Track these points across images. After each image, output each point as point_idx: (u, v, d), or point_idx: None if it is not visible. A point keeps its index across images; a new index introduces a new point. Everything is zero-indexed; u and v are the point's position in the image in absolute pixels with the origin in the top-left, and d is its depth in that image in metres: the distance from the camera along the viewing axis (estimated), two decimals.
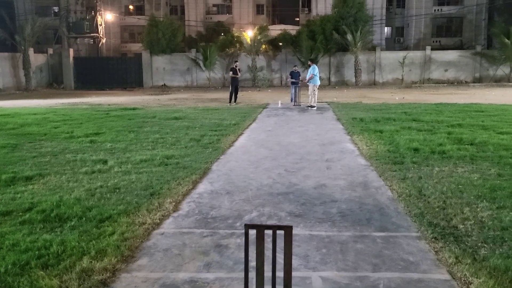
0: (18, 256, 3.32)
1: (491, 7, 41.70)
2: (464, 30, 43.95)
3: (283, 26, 40.84)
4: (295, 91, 17.91)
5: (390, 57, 35.57)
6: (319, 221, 4.24)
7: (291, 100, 18.36)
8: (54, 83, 35.98)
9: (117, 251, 3.46)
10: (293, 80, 18.43)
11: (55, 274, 3.08)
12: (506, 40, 31.99)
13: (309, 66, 16.74)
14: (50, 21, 42.52)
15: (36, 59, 34.48)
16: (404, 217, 4.30)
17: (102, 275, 3.09)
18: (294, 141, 8.88)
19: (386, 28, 46.04)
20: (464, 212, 4.29)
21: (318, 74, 16.63)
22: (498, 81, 33.35)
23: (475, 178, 5.55)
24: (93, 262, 3.26)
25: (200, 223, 4.21)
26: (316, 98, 16.34)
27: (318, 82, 16.51)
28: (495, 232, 3.77)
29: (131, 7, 50.16)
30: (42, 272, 3.08)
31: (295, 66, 20.06)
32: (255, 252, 2.26)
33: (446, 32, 44.93)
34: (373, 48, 36.11)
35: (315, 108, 15.77)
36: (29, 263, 3.22)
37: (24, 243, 3.58)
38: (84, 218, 4.20)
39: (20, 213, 4.37)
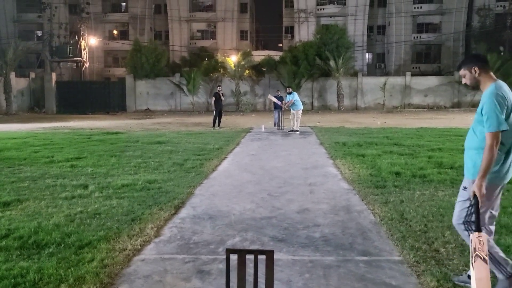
0: None
1: (468, 35, 43.14)
2: (443, 57, 45.29)
3: (266, 52, 41.53)
4: (279, 116, 18.09)
5: (372, 83, 36.29)
6: (302, 245, 4.22)
7: (275, 125, 18.51)
8: (35, 107, 35.65)
9: (96, 278, 3.38)
10: (276, 104, 18.61)
11: None
12: None
13: (289, 93, 16.88)
14: (33, 45, 42.46)
15: (18, 83, 34.20)
16: (387, 241, 4.32)
17: None
18: (278, 165, 8.90)
19: (367, 54, 47.19)
20: (445, 235, 4.32)
21: (299, 100, 16.81)
22: (476, 106, 34.18)
23: (456, 201, 5.61)
24: None
25: (182, 249, 4.15)
26: (299, 123, 16.49)
27: (301, 107, 16.69)
28: None
29: (115, 32, 50.48)
30: None
31: (278, 90, 20.29)
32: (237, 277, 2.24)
33: (425, 59, 46.23)
34: (355, 74, 36.87)
35: (298, 132, 15.90)
36: None
37: None
38: (62, 245, 4.11)
39: None
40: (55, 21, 43.70)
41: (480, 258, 2.87)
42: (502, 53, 34.40)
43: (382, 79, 36.48)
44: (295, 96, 16.64)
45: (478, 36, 40.03)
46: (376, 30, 48.06)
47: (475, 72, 3.21)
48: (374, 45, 47.61)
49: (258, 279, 2.38)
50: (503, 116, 2.99)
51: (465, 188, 3.26)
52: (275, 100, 18.04)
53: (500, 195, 3.28)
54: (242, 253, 2.09)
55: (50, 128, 19.45)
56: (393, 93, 35.64)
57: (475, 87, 3.34)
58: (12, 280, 3.30)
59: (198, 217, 5.22)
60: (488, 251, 2.98)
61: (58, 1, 44.66)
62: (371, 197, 5.97)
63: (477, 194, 3.01)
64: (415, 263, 3.70)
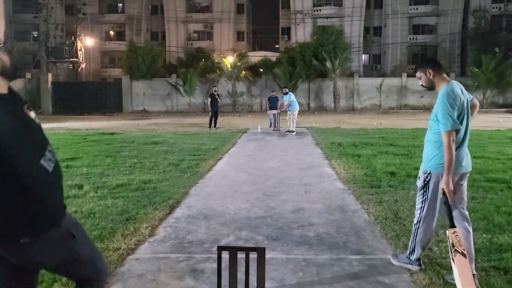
0: None
1: (464, 36, 43.30)
2: (439, 58, 45.28)
3: (263, 53, 41.54)
4: (274, 116, 18.11)
5: (368, 84, 36.37)
6: (296, 244, 4.23)
7: (270, 125, 18.51)
8: (31, 107, 35.51)
9: None
10: (272, 105, 18.67)
11: None
12: (476, 70, 33.14)
13: (285, 94, 16.93)
14: (29, 45, 42.38)
15: (13, 83, 33.99)
16: (380, 240, 4.33)
17: None
18: (273, 166, 8.91)
19: (363, 55, 47.27)
20: (439, 234, 4.34)
21: (295, 100, 16.85)
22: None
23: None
24: None
25: (176, 248, 4.15)
26: (295, 123, 16.50)
27: (297, 108, 16.71)
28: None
29: (111, 32, 50.39)
30: None
31: (273, 91, 20.29)
32: (231, 273, 2.25)
33: (422, 60, 46.27)
34: (351, 75, 36.93)
35: (294, 133, 15.91)
36: None
37: None
38: None
39: None
40: (51, 22, 43.61)
41: (459, 253, 3.06)
42: (497, 54, 34.54)
43: (378, 80, 36.58)
44: (291, 97, 16.66)
45: (474, 37, 40.21)
46: (372, 31, 48.19)
47: (430, 74, 3.47)
48: (370, 46, 47.73)
49: (251, 277, 2.39)
50: (456, 115, 3.26)
51: (419, 177, 3.62)
52: (274, 112, 18.02)
53: (463, 188, 3.52)
54: (233, 250, 2.09)
55: (45, 128, 19.22)
56: (389, 94, 35.74)
57: (431, 88, 3.54)
58: None
59: (192, 216, 5.22)
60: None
61: (55, 1, 44.57)
62: (366, 197, 5.99)
63: (446, 191, 3.24)
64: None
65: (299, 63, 34.14)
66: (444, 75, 3.49)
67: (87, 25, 45.66)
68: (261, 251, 2.09)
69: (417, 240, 3.53)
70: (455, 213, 3.41)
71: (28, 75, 36.50)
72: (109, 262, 3.71)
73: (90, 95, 35.70)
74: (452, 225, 3.27)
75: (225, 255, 2.48)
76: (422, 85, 3.59)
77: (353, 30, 44.42)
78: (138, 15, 48.71)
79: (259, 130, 17.51)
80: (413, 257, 3.55)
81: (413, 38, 45.87)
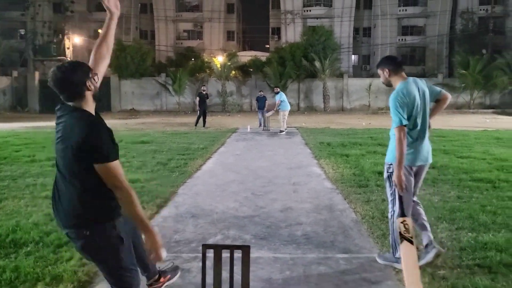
0: None
1: (452, 38, 43.71)
2: (427, 60, 45.81)
3: (253, 53, 41.47)
4: (263, 116, 18.14)
5: (357, 84, 36.53)
6: (284, 243, 4.23)
7: (260, 125, 18.51)
8: (18, 106, 35.08)
9: (74, 277, 3.34)
10: (260, 104, 18.72)
11: None
12: (463, 71, 33.49)
13: (276, 93, 16.88)
14: (16, 43, 41.81)
15: (0, 81, 33.66)
16: (367, 239, 4.35)
17: None
18: (262, 165, 8.91)
19: (353, 56, 47.49)
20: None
21: (286, 100, 16.85)
22: (459, 108, 34.68)
23: (436, 200, 5.69)
24: None
25: (164, 247, 4.11)
26: (285, 123, 16.48)
27: (288, 108, 16.69)
28: (454, 252, 3.85)
29: (100, 31, 49.88)
30: None
31: (261, 91, 20.26)
32: (216, 271, 2.23)
33: (410, 61, 46.65)
34: (341, 75, 37.05)
35: (284, 132, 15.91)
36: None
37: None
38: (41, 243, 4.05)
39: None
40: (39, 20, 43.10)
41: (406, 239, 3.29)
42: (484, 56, 34.93)
43: (367, 81, 36.76)
44: (282, 96, 16.65)
45: (462, 39, 40.60)
46: (362, 32, 48.41)
47: (386, 73, 3.68)
48: (360, 47, 47.95)
49: (236, 275, 2.37)
50: (405, 112, 3.48)
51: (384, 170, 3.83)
52: (270, 114, 17.72)
53: (421, 178, 3.81)
54: (218, 248, 2.08)
55: (32, 127, 19.17)
56: (378, 94, 35.92)
57: (388, 85, 3.72)
58: None
59: (180, 215, 5.20)
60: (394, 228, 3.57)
61: None
62: (354, 196, 6.01)
63: (396, 183, 3.47)
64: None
65: (289, 63, 34.16)
66: (402, 73, 3.66)
67: (75, 23, 45.21)
68: (245, 249, 2.08)
69: (396, 236, 3.55)
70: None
71: (15, 73, 36.03)
72: (89, 264, 3.66)
73: None
74: (402, 214, 3.46)
75: (211, 253, 2.47)
76: (382, 82, 3.76)
77: (343, 31, 44.58)
78: (127, 13, 48.33)
79: (248, 129, 17.50)
80: (397, 254, 3.56)
81: (402, 39, 46.18)
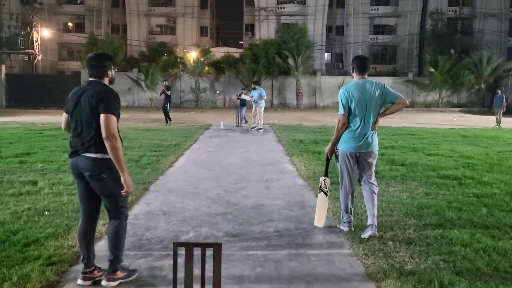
0: None
1: (421, 38, 44.67)
2: (398, 58, 46.71)
3: (226, 49, 41.34)
4: (241, 112, 18.07)
5: (330, 82, 36.91)
6: (256, 240, 4.26)
7: (241, 122, 18.18)
8: None
9: (42, 276, 3.27)
10: (242, 101, 18.60)
11: None
12: (432, 70, 34.31)
13: (253, 88, 16.51)
14: None
15: None
16: (338, 235, 4.42)
17: None
18: (235, 162, 8.91)
19: (326, 53, 47.96)
20: (394, 229, 4.48)
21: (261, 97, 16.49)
22: (428, 106, 35.53)
23: (405, 197, 5.83)
24: None
25: (134, 245, 4.08)
26: (258, 120, 16.19)
27: (263, 105, 16.40)
28: (421, 248, 3.96)
29: (70, 24, 48.76)
30: None
31: (242, 88, 20.21)
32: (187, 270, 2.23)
33: (381, 60, 47.48)
34: (313, 73, 37.36)
35: (255, 129, 15.76)
36: None
37: None
38: (7, 242, 3.95)
39: None
40: (5, 11, 41.68)
41: (323, 192, 4.62)
42: (452, 56, 35.86)
43: (340, 79, 37.16)
44: (263, 92, 16.25)
45: (431, 38, 41.55)
46: (334, 30, 48.94)
47: (352, 70, 4.44)
48: (332, 45, 48.47)
49: (208, 273, 2.38)
50: (345, 105, 4.31)
51: None
52: (248, 98, 17.29)
53: (370, 165, 4.47)
54: (189, 246, 2.08)
55: None
56: None
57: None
58: None
59: (152, 213, 5.15)
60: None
61: None
62: None
63: (327, 152, 4.63)
64: (364, 255, 3.82)
65: (262, 60, 34.22)
66: (362, 74, 4.37)
67: (44, 15, 43.95)
68: (217, 247, 2.09)
69: (341, 205, 4.56)
70: (362, 183, 4.52)
71: None
72: (63, 261, 3.61)
73: (46, 89, 34.37)
74: (325, 175, 4.73)
75: (182, 251, 2.46)
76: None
77: (316, 29, 44.95)
78: (98, 7, 47.33)
79: (221, 126, 17.46)
80: (343, 218, 4.54)
81: (374, 38, 46.92)
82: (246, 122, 18.57)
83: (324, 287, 3.27)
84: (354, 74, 4.41)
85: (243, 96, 18.19)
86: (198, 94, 35.41)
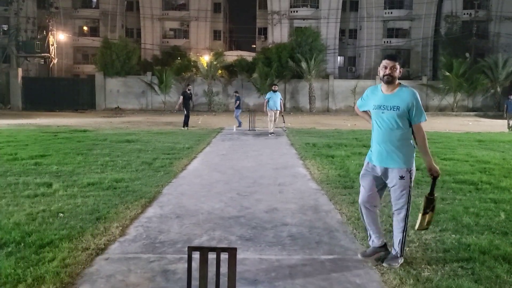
0: None
1: (436, 41, 44.26)
2: (412, 62, 46.32)
3: (239, 52, 41.45)
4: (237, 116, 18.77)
5: (343, 85, 36.77)
6: (270, 244, 4.22)
7: (240, 125, 18.36)
8: (0, 103, 34.46)
9: (56, 278, 3.27)
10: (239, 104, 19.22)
11: None
12: (447, 73, 33.93)
13: (274, 90, 16.10)
14: None
15: None
16: (353, 240, 4.36)
17: None
18: (248, 165, 8.89)
19: (339, 57, 47.81)
20: (409, 234, 4.40)
21: (276, 99, 16.13)
22: (443, 110, 35.16)
23: (420, 202, 5.73)
24: None
25: (147, 248, 4.08)
26: (273, 124, 15.94)
27: (277, 108, 16.16)
28: (438, 254, 3.89)
29: (85, 28, 49.39)
30: None
31: (236, 91, 20.51)
32: (202, 274, 2.21)
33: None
34: (326, 76, 37.27)
35: (274, 134, 15.55)
36: None
37: None
38: (22, 244, 3.97)
39: None
40: (23, 15, 42.39)
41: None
42: (467, 59, 35.45)
43: (353, 82, 37.02)
44: (274, 96, 15.97)
45: (446, 42, 41.16)
46: (348, 34, 48.75)
47: (400, 71, 3.68)
48: (345, 49, 48.27)
49: (222, 277, 2.36)
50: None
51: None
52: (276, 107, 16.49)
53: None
54: (204, 250, 2.06)
55: (14, 125, 18.85)
56: None
57: (392, 82, 3.67)
58: None
59: (165, 216, 5.15)
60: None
61: None
62: (339, 197, 6.03)
63: (436, 170, 3.73)
64: (379, 261, 3.75)
65: (275, 63, 34.23)
66: None
67: (60, 19, 44.57)
68: (232, 252, 2.06)
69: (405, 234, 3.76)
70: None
71: None
72: (77, 263, 3.61)
73: (62, 92, 34.85)
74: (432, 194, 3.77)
75: (196, 255, 2.44)
76: (391, 76, 3.63)
77: (329, 32, 44.82)
78: (113, 11, 47.87)
79: (234, 129, 17.46)
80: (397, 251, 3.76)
81: (387, 42, 46.63)
82: (240, 125, 18.50)
83: None
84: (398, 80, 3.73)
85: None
86: (211, 97, 35.54)
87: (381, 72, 3.67)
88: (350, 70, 47.91)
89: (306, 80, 35.16)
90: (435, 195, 3.76)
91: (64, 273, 3.38)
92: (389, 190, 3.78)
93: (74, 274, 3.42)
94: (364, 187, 3.83)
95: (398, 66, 3.62)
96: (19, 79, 34.60)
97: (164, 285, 3.30)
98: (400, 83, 3.70)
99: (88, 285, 3.28)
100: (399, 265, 3.63)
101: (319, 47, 36.37)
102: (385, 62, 3.64)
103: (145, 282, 3.34)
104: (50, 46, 39.44)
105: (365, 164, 3.93)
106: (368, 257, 3.81)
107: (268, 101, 15.94)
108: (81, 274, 3.46)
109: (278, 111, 16.06)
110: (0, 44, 41.83)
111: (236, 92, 21.20)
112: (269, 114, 15.83)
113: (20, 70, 35.66)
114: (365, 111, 4.06)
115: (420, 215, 3.73)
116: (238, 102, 19.33)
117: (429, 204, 3.68)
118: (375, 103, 3.73)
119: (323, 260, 3.83)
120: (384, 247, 3.84)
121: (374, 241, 3.84)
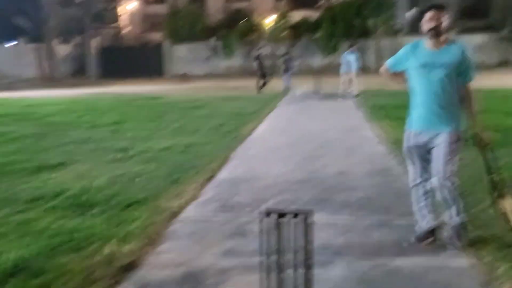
0: (48, 241, 3.44)
1: None
2: (492, 11, 42.51)
3: (304, 12, 40.35)
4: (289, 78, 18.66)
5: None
6: (339, 208, 4.25)
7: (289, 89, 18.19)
8: (78, 73, 36.57)
9: (145, 233, 3.62)
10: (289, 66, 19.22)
11: (85, 256, 3.21)
12: None
13: (352, 51, 15.99)
14: (74, 12, 43.01)
15: (60, 49, 35.10)
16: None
17: (129, 257, 3.20)
18: (314, 129, 8.86)
19: (408, 13, 45.03)
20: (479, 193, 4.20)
21: (351, 60, 15.86)
22: None
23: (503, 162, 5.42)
24: (120, 244, 3.38)
25: (221, 210, 4.27)
26: (345, 86, 15.55)
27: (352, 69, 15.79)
28: None
29: None
30: (72, 255, 3.21)
31: (286, 52, 20.25)
32: (275, 237, 2.31)
33: (472, 15, 43.51)
34: (395, 34, 35.44)
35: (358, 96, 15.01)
36: (60, 246, 3.34)
37: (53, 227, 3.73)
38: (108, 205, 4.32)
39: (49, 200, 4.50)
40: None
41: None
42: None
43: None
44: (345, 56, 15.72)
45: None
46: None
47: (450, 22, 3.26)
48: (416, 1, 45.36)
49: (297, 239, 2.43)
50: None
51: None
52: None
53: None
54: (279, 213, 2.14)
55: (92, 93, 20.02)
56: None
57: (439, 35, 3.23)
58: (66, 236, 3.53)
59: (235, 179, 5.32)
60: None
61: None
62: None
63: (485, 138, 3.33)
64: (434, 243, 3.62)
65: (340, 23, 33.06)
66: None
67: None
68: (308, 214, 2.14)
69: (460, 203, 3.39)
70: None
71: (74, 41, 37.38)
72: (159, 222, 3.89)
73: (133, 60, 36.19)
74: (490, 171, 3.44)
75: (267, 218, 2.53)
76: (437, 27, 3.21)
77: None
78: None
79: (300, 93, 17.33)
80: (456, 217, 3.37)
81: None
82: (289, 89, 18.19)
83: (413, 257, 3.21)
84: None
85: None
86: (276, 60, 35.26)
87: (425, 26, 3.23)
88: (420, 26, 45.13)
89: (374, 39, 33.73)
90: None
91: (151, 230, 3.68)
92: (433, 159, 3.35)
93: (159, 231, 3.71)
94: (413, 162, 3.45)
95: (445, 17, 3.18)
96: (94, 49, 36.35)
97: (242, 243, 3.47)
98: (447, 38, 3.25)
99: (173, 241, 3.55)
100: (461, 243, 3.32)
101: (388, 3, 34.52)
102: (430, 13, 3.20)
103: (224, 239, 3.55)
104: (120, 15, 40.82)
105: (406, 135, 3.45)
106: (422, 241, 3.41)
107: (348, 62, 15.49)
108: (163, 232, 3.73)
109: (354, 73, 15.65)
110: (74, 16, 43.89)
111: (286, 53, 20.81)
112: (348, 77, 15.43)
113: (94, 41, 37.40)
114: (396, 73, 3.62)
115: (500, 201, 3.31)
116: (289, 64, 18.97)
117: (497, 184, 3.32)
118: (419, 61, 3.28)
119: (396, 225, 3.80)
120: (436, 230, 3.44)
121: (429, 222, 3.42)
